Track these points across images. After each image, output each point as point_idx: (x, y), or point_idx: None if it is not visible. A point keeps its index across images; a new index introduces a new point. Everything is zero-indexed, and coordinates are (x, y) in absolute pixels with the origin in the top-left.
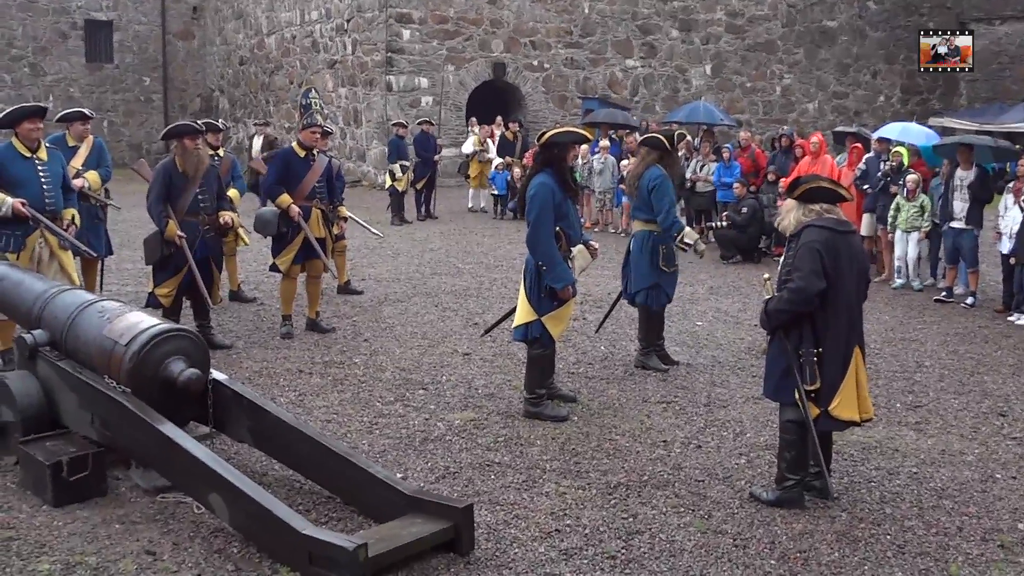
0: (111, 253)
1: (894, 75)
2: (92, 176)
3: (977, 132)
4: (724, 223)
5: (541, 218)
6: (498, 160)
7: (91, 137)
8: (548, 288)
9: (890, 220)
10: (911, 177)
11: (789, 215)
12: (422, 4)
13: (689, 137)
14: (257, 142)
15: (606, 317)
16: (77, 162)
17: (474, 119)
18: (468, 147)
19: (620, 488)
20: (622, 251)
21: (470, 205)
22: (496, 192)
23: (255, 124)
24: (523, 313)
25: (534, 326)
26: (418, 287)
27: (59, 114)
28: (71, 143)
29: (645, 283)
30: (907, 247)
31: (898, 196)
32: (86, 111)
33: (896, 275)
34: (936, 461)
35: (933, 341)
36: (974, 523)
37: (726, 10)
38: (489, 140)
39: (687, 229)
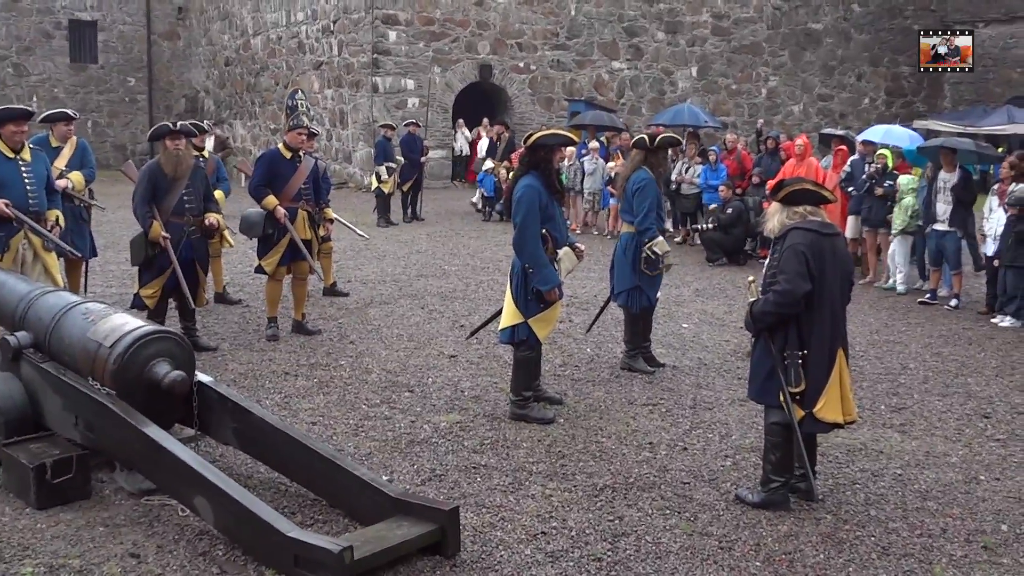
0: (95, 254)
1: (879, 77)
2: (76, 177)
3: (960, 135)
4: (709, 225)
5: (528, 220)
6: (489, 164)
7: (75, 138)
8: (535, 290)
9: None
10: (900, 179)
11: (774, 218)
12: (408, 6)
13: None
14: (208, 143)
15: (596, 319)
16: (60, 163)
17: (461, 120)
18: (485, 148)
19: (606, 490)
20: (608, 253)
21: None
22: (485, 194)
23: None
24: (509, 315)
25: (520, 328)
26: (404, 289)
27: (42, 115)
28: (54, 144)
29: (627, 285)
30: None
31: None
32: (70, 112)
33: (886, 272)
34: (920, 463)
35: (917, 343)
36: (958, 524)
37: (712, 12)
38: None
39: (660, 239)
